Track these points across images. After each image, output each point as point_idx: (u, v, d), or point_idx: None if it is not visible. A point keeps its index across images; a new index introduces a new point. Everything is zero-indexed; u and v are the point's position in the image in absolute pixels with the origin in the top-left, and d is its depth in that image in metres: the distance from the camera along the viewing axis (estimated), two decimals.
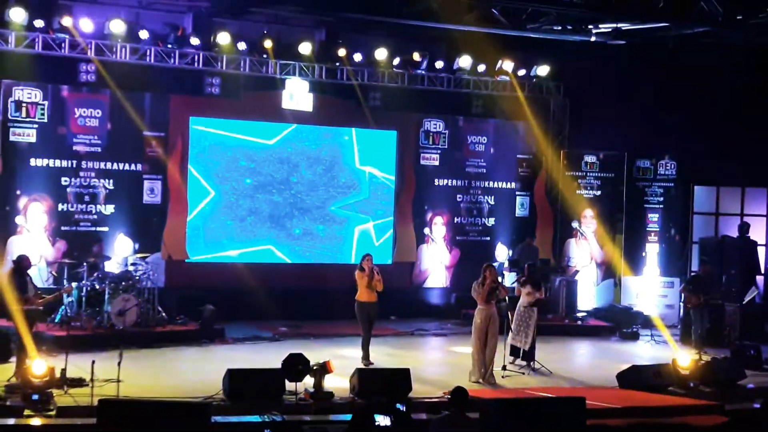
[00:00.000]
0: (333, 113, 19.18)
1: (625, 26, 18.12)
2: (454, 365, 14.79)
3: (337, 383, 12.52)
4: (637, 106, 19.78)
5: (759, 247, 18.74)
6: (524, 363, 14.71)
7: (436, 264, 20.27)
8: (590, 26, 18.19)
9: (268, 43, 17.99)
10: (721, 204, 19.45)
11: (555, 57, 19.95)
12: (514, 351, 14.88)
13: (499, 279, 14.78)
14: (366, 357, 14.52)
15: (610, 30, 18.24)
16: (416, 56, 19.10)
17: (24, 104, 16.74)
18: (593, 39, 18.47)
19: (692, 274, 17.42)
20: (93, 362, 11.76)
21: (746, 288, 17.62)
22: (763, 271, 18.77)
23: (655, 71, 19.59)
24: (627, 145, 20.57)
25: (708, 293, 16.37)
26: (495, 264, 19.94)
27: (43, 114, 16.86)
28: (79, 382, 12.12)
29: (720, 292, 16.88)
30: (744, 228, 18.81)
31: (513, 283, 16.18)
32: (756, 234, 18.83)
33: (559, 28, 18.15)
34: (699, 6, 16.57)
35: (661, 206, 20.54)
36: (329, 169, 19.33)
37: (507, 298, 14.82)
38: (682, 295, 17.19)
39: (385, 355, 15.37)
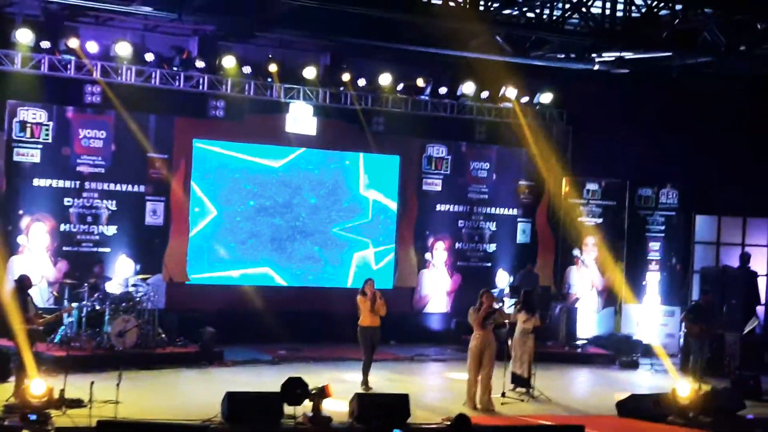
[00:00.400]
0: (337, 137, 19.26)
1: (628, 55, 18.22)
2: (454, 391, 14.74)
3: (337, 407, 12.49)
4: (639, 134, 19.83)
5: (760, 278, 18.72)
6: (523, 390, 14.69)
7: (436, 289, 20.28)
8: (593, 54, 18.29)
9: (272, 67, 18.09)
10: (723, 233, 19.46)
11: (558, 84, 20.05)
12: (515, 378, 14.88)
13: (498, 305, 14.78)
14: (365, 382, 14.50)
15: (613, 59, 18.35)
16: (420, 82, 19.21)
17: (29, 125, 16.80)
18: (596, 67, 18.59)
19: (693, 303, 17.40)
20: (92, 383, 11.76)
21: (746, 318, 17.60)
22: (763, 301, 18.75)
23: (657, 99, 19.68)
24: (629, 173, 20.62)
25: (709, 323, 16.35)
26: (495, 290, 20.10)
27: (47, 134, 16.92)
28: (77, 403, 12.11)
29: (721, 321, 16.85)
30: (745, 258, 18.82)
31: (510, 308, 16.20)
32: (757, 264, 18.83)
33: (563, 56, 18.24)
34: (702, 36, 16.67)
35: (662, 235, 20.55)
36: (332, 192, 19.38)
37: (507, 323, 14.83)
38: (683, 324, 17.17)
39: (384, 380, 15.35)
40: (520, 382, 14.82)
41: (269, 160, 18.81)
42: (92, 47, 16.74)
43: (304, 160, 19.10)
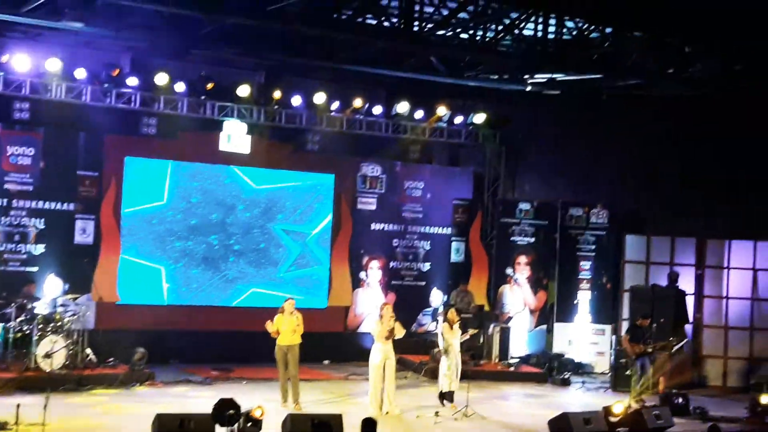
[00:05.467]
0: (271, 156, 19.18)
1: (560, 77, 18.49)
2: None
3: (269, 428, 12.36)
4: (570, 155, 20.14)
5: (687, 297, 19.04)
6: (463, 407, 14.72)
7: (371, 308, 20.24)
8: (526, 76, 18.54)
9: (206, 85, 17.96)
10: (652, 253, 19.76)
11: (491, 105, 20.26)
12: (444, 395, 15.04)
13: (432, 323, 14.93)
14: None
15: (545, 80, 18.61)
16: (358, 103, 19.18)
17: None
18: (529, 88, 18.83)
19: (630, 324, 17.64)
20: (18, 405, 11.50)
21: (675, 336, 17.85)
22: (691, 320, 19.07)
23: (588, 120, 19.98)
24: (560, 193, 20.87)
25: (647, 342, 16.59)
26: (430, 309, 20.23)
27: None
28: (3, 426, 11.83)
29: (655, 340, 17.08)
30: (673, 277, 19.12)
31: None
32: (685, 283, 19.16)
33: (496, 76, 18.48)
34: (632, 59, 16.99)
35: (593, 254, 20.81)
36: (265, 211, 19.27)
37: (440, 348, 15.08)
38: (621, 344, 17.31)
39: (318, 400, 15.27)
40: (447, 396, 14.95)
41: (199, 180, 18.62)
42: (21, 63, 16.45)
43: (236, 178, 18.96)
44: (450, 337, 15.13)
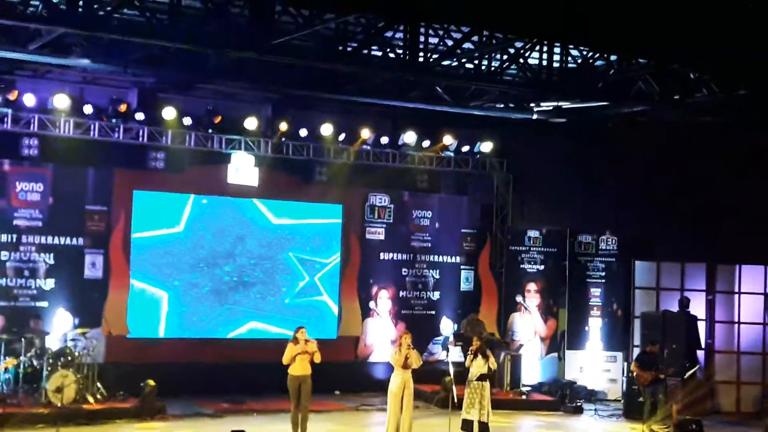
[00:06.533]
0: (279, 188, 19.24)
1: (565, 105, 18.53)
2: None
3: None
4: (578, 182, 20.11)
5: (699, 322, 18.95)
6: None
7: (381, 338, 20.22)
8: (531, 104, 18.58)
9: (214, 118, 18.05)
10: (662, 279, 19.70)
11: (498, 133, 20.29)
12: (466, 425, 14.86)
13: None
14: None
15: (551, 108, 18.65)
16: (365, 134, 19.22)
17: None
18: (535, 116, 18.87)
19: (640, 351, 17.57)
20: None
21: (687, 363, 17.78)
22: (703, 345, 18.96)
23: (595, 147, 19.98)
24: (569, 221, 20.84)
25: (658, 368, 16.52)
26: (440, 338, 20.16)
27: None
28: None
29: (666, 367, 17.00)
30: (684, 302, 19.03)
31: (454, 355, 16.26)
32: (696, 309, 19.08)
33: (502, 105, 18.52)
34: (637, 86, 17.02)
35: (603, 281, 20.77)
36: (278, 242, 19.26)
37: (453, 372, 14.95)
38: (633, 371, 17.23)
39: (329, 431, 15.21)
40: (482, 427, 14.74)
41: (206, 213, 18.70)
42: (29, 100, 16.58)
43: (244, 209, 19.01)
44: (471, 367, 15.05)
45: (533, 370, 20.38)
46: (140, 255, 18.12)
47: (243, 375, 18.11)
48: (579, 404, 18.62)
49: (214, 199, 18.76)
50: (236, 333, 18.95)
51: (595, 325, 20.62)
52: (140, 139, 17.72)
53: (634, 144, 19.63)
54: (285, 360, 14.41)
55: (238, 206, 18.97)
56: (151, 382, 16.29)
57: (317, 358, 14.42)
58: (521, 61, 16.03)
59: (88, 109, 17.11)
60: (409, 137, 19.68)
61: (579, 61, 16.60)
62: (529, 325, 20.79)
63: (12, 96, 16.41)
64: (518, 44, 15.80)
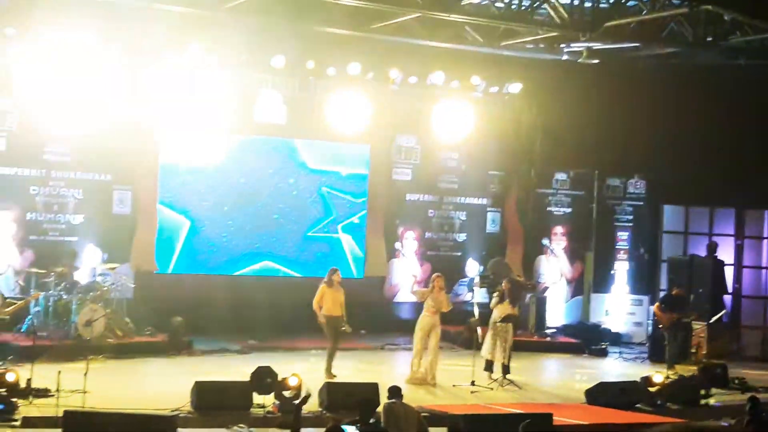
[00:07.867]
0: (307, 127, 19.15)
1: (596, 46, 18.28)
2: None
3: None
4: (607, 125, 19.93)
5: (726, 267, 18.89)
6: (499, 377, 14.72)
7: (407, 278, 20.26)
8: (562, 45, 18.35)
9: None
10: (690, 223, 19.62)
11: (527, 75, 20.07)
12: (488, 366, 14.98)
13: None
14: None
15: (581, 49, 18.40)
16: (393, 74, 19.05)
17: None
18: (564, 58, 18.64)
19: (665, 293, 17.54)
20: (59, 372, 11.68)
21: (714, 307, 17.77)
22: (730, 290, 18.92)
23: (625, 90, 19.74)
24: (597, 164, 20.71)
25: (681, 312, 16.52)
26: (466, 279, 20.18)
27: (13, 122, 16.71)
28: (44, 393, 12.02)
29: (691, 311, 17.01)
30: (712, 247, 18.97)
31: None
32: (724, 254, 19.00)
33: (531, 46, 18.29)
34: (669, 27, 16.77)
35: (630, 224, 20.69)
36: (312, 181, 19.30)
37: (478, 313, 15.01)
38: (654, 313, 17.26)
39: (354, 369, 15.35)
40: (498, 369, 14.85)
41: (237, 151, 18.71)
42: None
43: (272, 148, 18.99)
44: (495, 310, 15.13)
45: (558, 312, 20.41)
46: (169, 188, 18.13)
47: (269, 313, 18.17)
48: (604, 347, 18.67)
49: (242, 138, 18.72)
50: (256, 268, 18.92)
51: (621, 268, 20.59)
52: None
53: (665, 87, 19.37)
54: (315, 303, 14.52)
55: (267, 144, 18.92)
56: (179, 318, 16.48)
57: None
58: (552, 0, 15.81)
59: None
60: (438, 77, 19.50)
61: (611, 1, 16.35)
62: (554, 267, 20.79)
63: None
64: None
